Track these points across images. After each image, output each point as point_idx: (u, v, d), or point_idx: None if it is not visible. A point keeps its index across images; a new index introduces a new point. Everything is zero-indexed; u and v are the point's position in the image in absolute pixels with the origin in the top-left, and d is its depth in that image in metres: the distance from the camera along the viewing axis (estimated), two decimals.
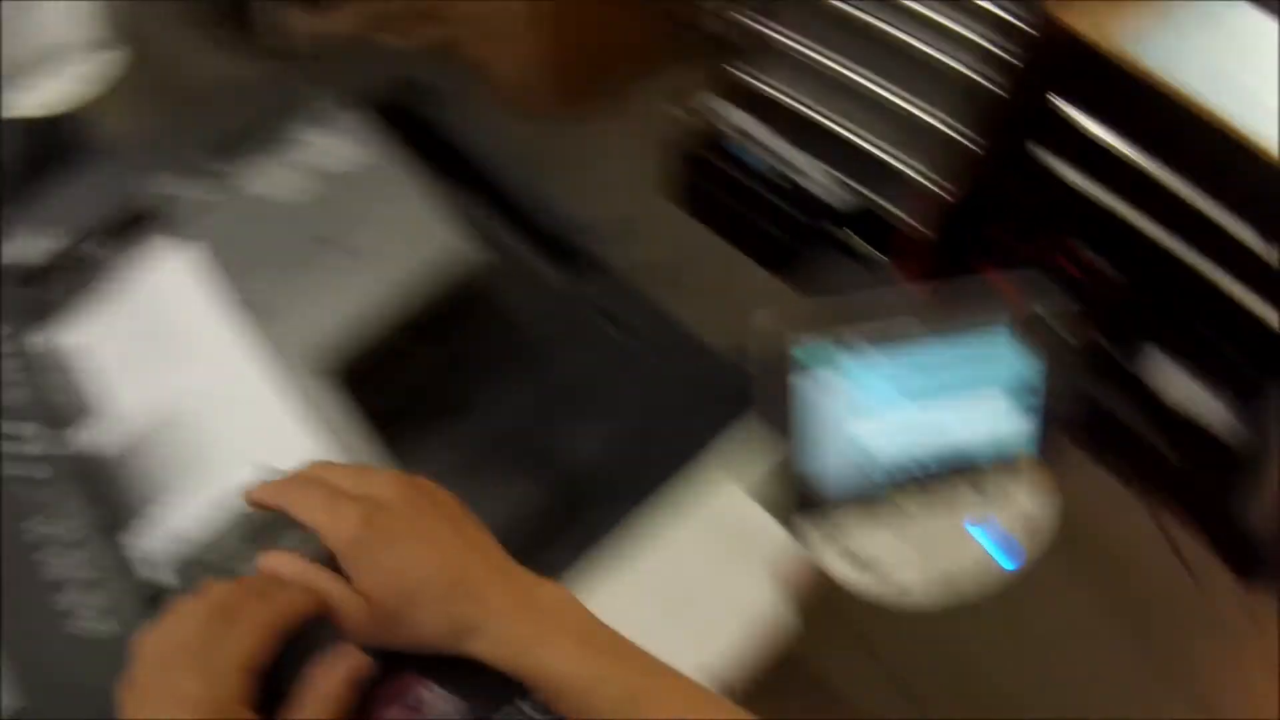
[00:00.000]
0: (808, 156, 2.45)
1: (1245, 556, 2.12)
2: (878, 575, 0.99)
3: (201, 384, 1.02)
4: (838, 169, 2.51)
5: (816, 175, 2.41)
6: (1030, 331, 0.98)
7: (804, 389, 0.96)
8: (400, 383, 1.10)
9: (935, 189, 2.26)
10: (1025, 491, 1.03)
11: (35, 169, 1.40)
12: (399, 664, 0.77)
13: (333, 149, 1.13)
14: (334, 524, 0.73)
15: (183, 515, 0.94)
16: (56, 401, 1.04)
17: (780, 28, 2.41)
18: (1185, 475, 2.24)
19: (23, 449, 1.01)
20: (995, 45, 1.91)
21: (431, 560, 0.72)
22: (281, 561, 0.76)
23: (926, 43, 2.05)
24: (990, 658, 2.14)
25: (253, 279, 1.05)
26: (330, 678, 0.72)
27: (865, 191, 2.52)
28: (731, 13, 2.48)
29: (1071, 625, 2.19)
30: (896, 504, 1.01)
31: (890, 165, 2.35)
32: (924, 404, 0.99)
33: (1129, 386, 2.25)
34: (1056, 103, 1.84)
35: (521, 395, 1.11)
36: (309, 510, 0.75)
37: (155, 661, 0.70)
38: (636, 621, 0.93)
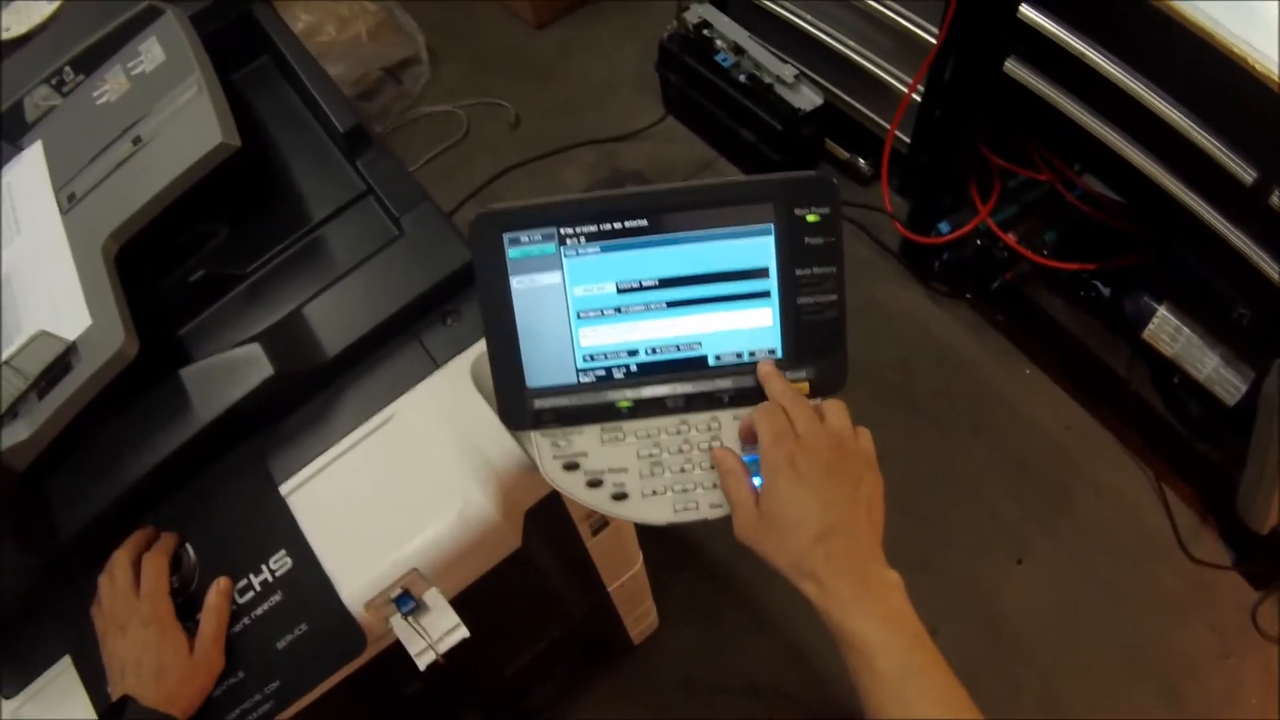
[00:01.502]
0: (786, 61, 2.45)
1: (1244, 532, 2.03)
2: (606, 489, 0.94)
3: (20, 259, 1.13)
4: (814, 71, 2.48)
5: (790, 80, 2.41)
6: (803, 231, 0.92)
7: (521, 281, 0.92)
8: (180, 256, 1.19)
9: (903, 90, 2.24)
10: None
11: None
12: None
13: (152, 53, 1.20)
14: (774, 442, 0.88)
15: None
16: None
17: None
18: (1184, 439, 2.14)
19: None
20: None
21: (816, 509, 0.85)
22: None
23: None
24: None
25: (69, 169, 1.16)
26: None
27: (838, 93, 2.49)
28: None
29: None
30: (634, 411, 0.95)
31: (861, 67, 2.32)
32: (668, 307, 0.94)
33: (1122, 333, 2.17)
34: (1026, 11, 1.69)
35: (291, 272, 1.17)
36: (771, 415, 0.90)
37: (110, 602, 0.98)
38: (354, 500, 1.02)
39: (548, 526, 1.12)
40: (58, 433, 1.01)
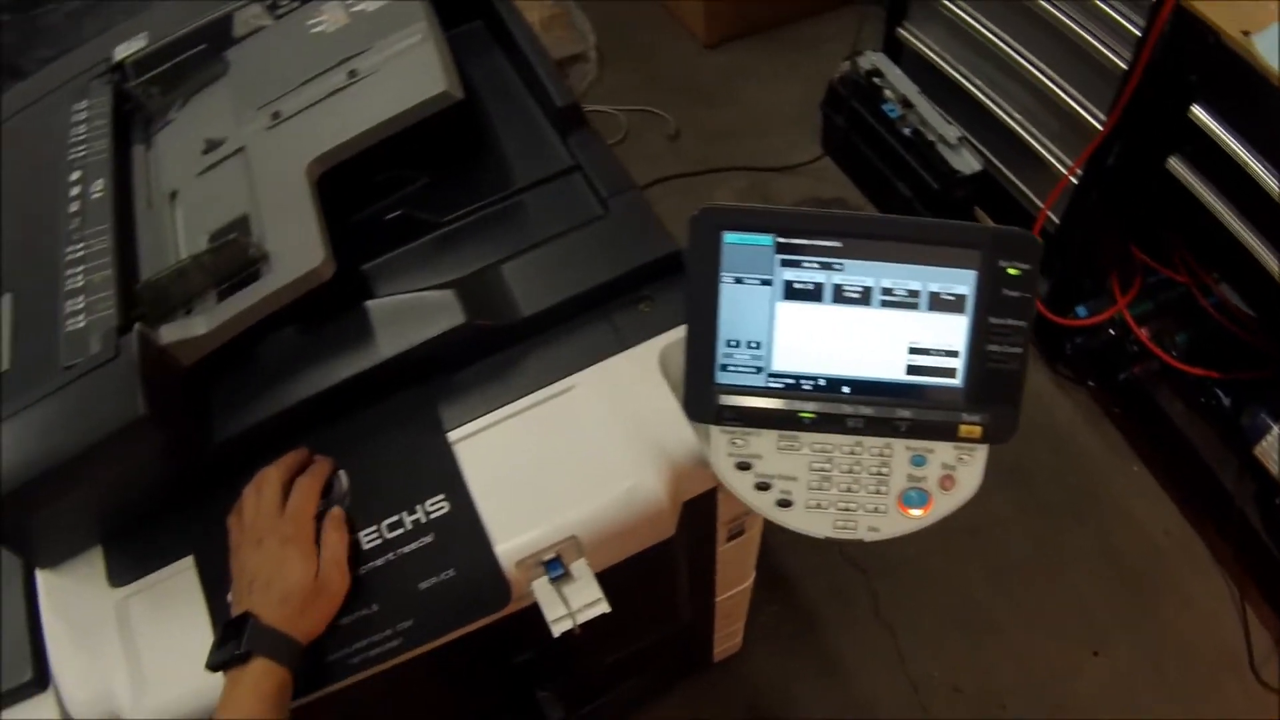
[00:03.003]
0: (949, 121, 2.45)
1: None
2: (773, 494, 0.97)
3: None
4: (975, 137, 2.49)
5: (953, 141, 2.41)
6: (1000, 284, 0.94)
7: (730, 279, 0.95)
8: (374, 194, 1.22)
9: (1061, 168, 2.24)
10: (953, 454, 0.97)
11: None
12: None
13: None
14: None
15: None
16: None
17: None
18: (1276, 563, 2.10)
19: None
20: (1133, 25, 1.84)
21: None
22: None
23: (1070, 18, 2.03)
24: None
25: (272, 90, 1.20)
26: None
27: (996, 163, 2.49)
28: None
29: None
30: (814, 424, 0.97)
31: (1024, 141, 2.32)
32: (865, 330, 0.96)
33: (1234, 446, 2.15)
34: (1197, 112, 1.71)
35: (488, 231, 1.19)
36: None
37: (252, 515, 1.00)
38: (522, 461, 1.03)
39: (693, 523, 1.14)
40: (231, 336, 1.03)
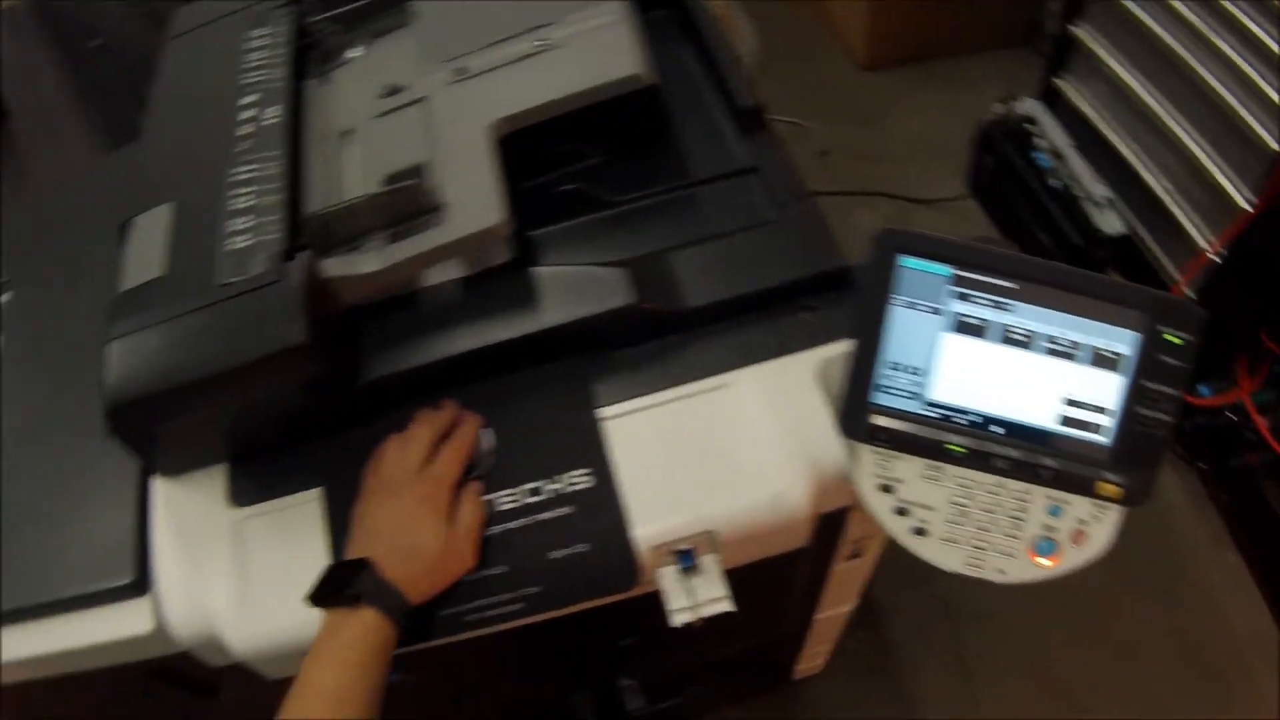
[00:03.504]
0: (1097, 178, 2.43)
1: None
2: (910, 521, 0.97)
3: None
4: (1119, 195, 2.47)
5: (1100, 200, 2.39)
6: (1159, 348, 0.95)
7: (900, 303, 0.95)
8: (547, 166, 1.23)
9: (1203, 243, 2.21)
10: (1088, 509, 0.97)
11: None
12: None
13: None
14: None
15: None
16: None
17: (1103, 40, 2.38)
18: None
19: None
20: None
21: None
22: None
23: (1229, 89, 2.00)
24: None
25: (459, 45, 1.22)
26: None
27: (1138, 226, 2.47)
28: (1066, 22, 2.47)
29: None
30: (962, 459, 0.97)
31: (1168, 209, 2.29)
32: (1024, 373, 0.96)
33: None
34: None
35: (659, 217, 1.20)
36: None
37: (394, 467, 1.01)
38: (670, 448, 1.04)
39: (820, 536, 1.14)
40: (396, 279, 1.05)
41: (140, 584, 1.04)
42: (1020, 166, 2.53)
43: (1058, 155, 2.45)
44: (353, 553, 0.97)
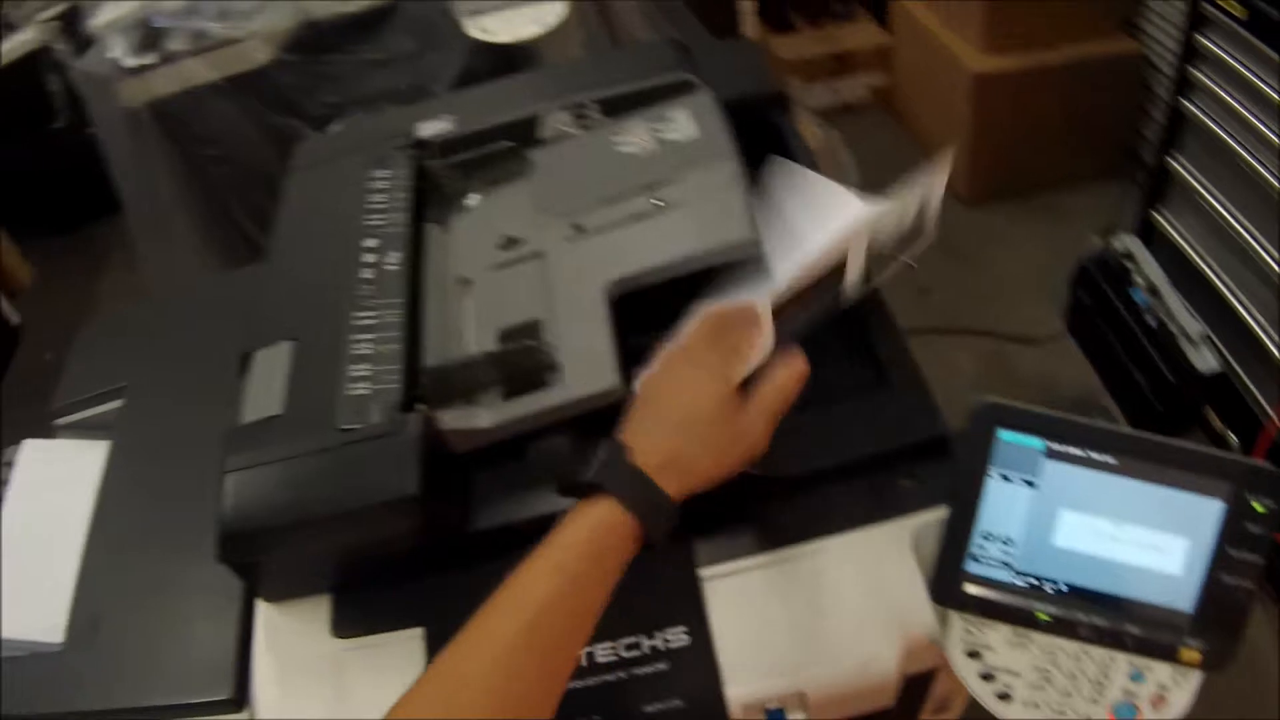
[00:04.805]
0: (1193, 315, 2.43)
1: None
2: (996, 686, 0.98)
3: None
4: (1214, 331, 2.46)
5: (1196, 337, 2.38)
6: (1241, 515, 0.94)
7: (996, 474, 0.97)
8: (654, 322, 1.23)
9: None
10: (1169, 674, 0.98)
11: (482, 78, 1.66)
12: None
13: (681, 123, 1.29)
14: None
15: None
16: None
17: (1198, 173, 2.40)
18: None
19: None
20: None
21: None
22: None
23: None
24: None
25: (575, 200, 1.25)
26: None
27: (1233, 363, 2.46)
28: (1162, 154, 2.48)
29: None
30: (1049, 626, 0.98)
31: (1265, 347, 2.29)
32: (1112, 542, 0.97)
33: None
34: None
35: None
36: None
37: (699, 348, 0.98)
38: (766, 609, 1.06)
39: (906, 695, 1.15)
40: (509, 435, 1.08)
41: (238, 701, 1.07)
42: (1117, 304, 2.54)
43: (1154, 291, 2.45)
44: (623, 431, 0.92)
